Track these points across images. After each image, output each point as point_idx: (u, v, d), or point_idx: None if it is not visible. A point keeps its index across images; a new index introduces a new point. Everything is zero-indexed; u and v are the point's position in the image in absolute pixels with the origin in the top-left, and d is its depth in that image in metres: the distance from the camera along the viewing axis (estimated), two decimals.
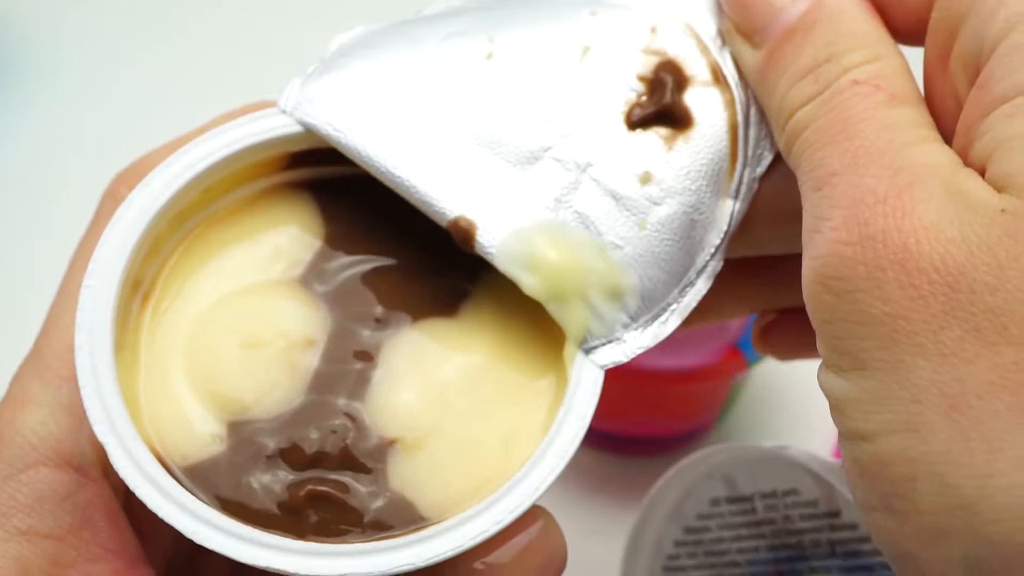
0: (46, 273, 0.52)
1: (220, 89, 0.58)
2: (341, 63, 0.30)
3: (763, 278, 0.33)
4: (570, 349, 0.28)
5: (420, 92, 0.29)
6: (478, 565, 0.26)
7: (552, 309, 0.27)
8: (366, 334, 0.28)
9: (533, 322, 0.28)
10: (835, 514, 0.35)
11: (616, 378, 0.41)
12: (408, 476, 0.27)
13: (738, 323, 0.42)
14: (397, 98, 0.29)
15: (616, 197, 0.28)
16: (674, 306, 0.28)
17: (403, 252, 0.29)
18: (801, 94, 0.26)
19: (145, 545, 0.28)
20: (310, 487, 0.26)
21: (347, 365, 0.28)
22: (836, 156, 0.25)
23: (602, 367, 0.28)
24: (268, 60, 0.59)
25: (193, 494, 0.25)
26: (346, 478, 0.27)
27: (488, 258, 0.28)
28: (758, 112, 0.29)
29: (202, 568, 0.32)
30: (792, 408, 0.50)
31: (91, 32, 0.61)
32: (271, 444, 0.27)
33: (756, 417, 0.49)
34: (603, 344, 0.28)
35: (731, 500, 0.38)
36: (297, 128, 0.29)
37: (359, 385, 0.28)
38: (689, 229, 0.28)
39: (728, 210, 0.29)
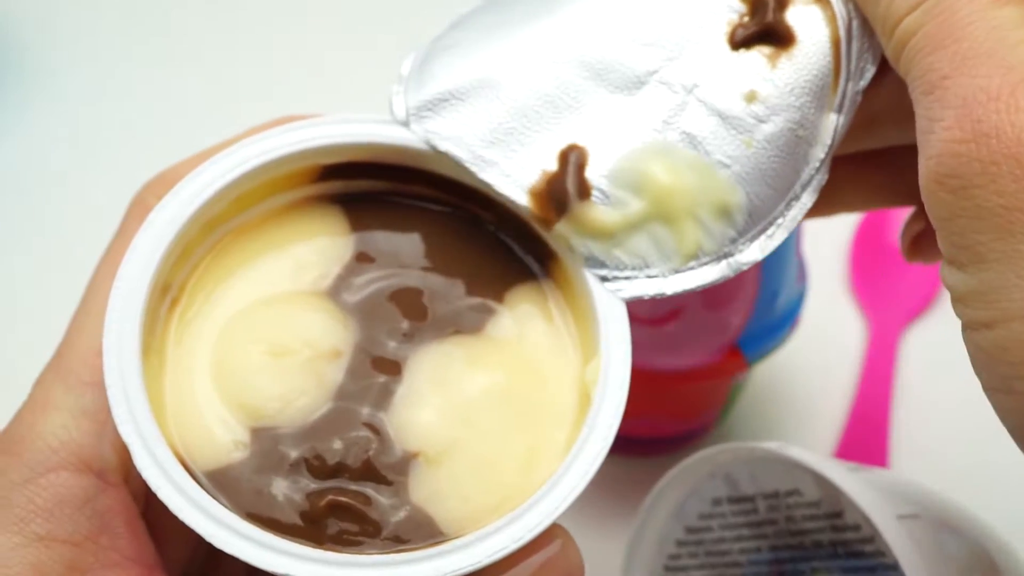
0: (45, 272, 0.52)
1: (219, 88, 0.58)
2: (449, 71, 0.30)
3: (887, 171, 0.34)
4: (591, 369, 0.28)
5: (522, 50, 0.30)
6: None
7: (656, 230, 0.29)
8: (392, 348, 0.29)
9: (556, 343, 0.29)
10: (838, 515, 0.35)
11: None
12: (429, 491, 0.27)
13: (738, 323, 0.42)
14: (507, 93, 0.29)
15: (722, 116, 0.29)
16: (780, 220, 0.29)
17: (432, 270, 0.30)
18: (906, 2, 0.27)
19: (161, 551, 0.28)
20: (331, 497, 0.26)
21: (372, 378, 0.28)
22: (946, 60, 0.25)
23: (696, 287, 0.29)
24: (267, 59, 0.59)
25: (215, 499, 0.26)
26: (367, 490, 0.27)
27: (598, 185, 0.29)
28: (860, 25, 0.29)
29: (216, 575, 0.32)
30: (792, 408, 0.50)
31: (90, 31, 0.61)
32: (294, 453, 0.27)
33: (756, 417, 0.49)
34: (712, 261, 0.29)
35: (733, 500, 0.38)
36: (331, 141, 0.29)
37: (383, 398, 0.28)
38: (794, 145, 0.29)
39: (832, 124, 0.29)
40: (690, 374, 0.42)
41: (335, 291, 0.29)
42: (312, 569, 0.25)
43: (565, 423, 0.28)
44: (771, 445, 0.35)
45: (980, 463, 0.47)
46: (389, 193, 0.30)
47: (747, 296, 0.41)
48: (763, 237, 0.29)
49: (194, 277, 0.29)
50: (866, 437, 0.48)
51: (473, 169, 0.29)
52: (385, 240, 0.30)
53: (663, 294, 0.29)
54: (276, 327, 0.28)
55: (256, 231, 0.30)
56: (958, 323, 0.26)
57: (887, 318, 0.52)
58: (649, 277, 0.29)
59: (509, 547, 0.25)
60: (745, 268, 0.29)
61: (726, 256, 0.29)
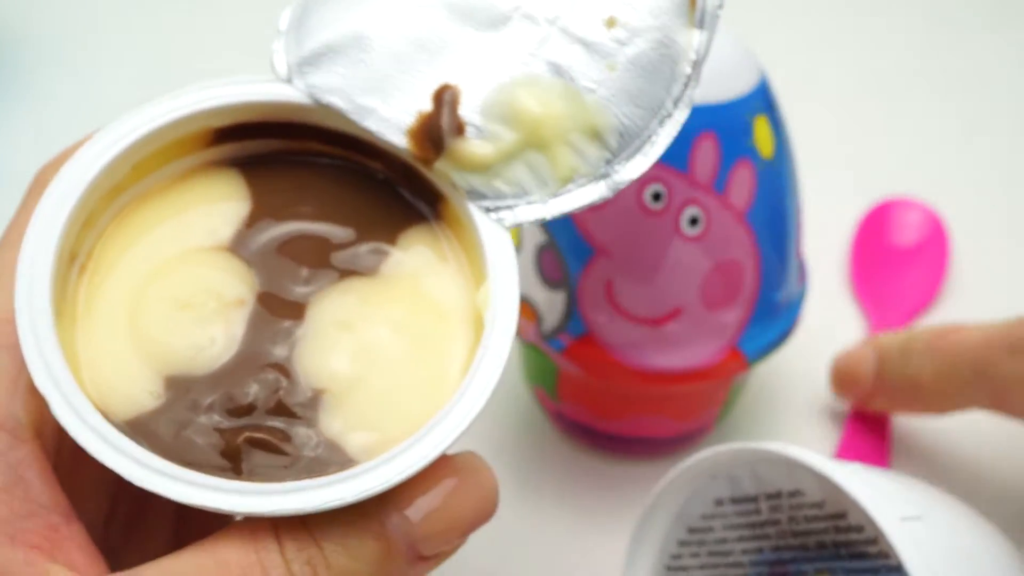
0: None
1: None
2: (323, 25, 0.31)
3: None
4: (481, 293, 0.30)
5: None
6: (415, 504, 0.28)
7: (533, 159, 0.30)
8: (293, 293, 0.30)
9: (450, 279, 0.31)
10: (841, 516, 0.35)
11: (616, 378, 0.42)
12: (338, 425, 0.28)
13: (738, 323, 0.42)
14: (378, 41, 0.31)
15: (585, 44, 0.30)
16: (654, 137, 0.30)
17: (326, 220, 0.31)
18: None
19: (78, 506, 0.29)
20: (247, 434, 0.28)
21: (276, 323, 0.30)
22: None
23: (583, 205, 0.30)
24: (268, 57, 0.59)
25: (134, 442, 0.27)
26: (280, 426, 0.28)
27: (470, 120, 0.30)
28: None
29: (143, 526, 0.33)
30: (792, 408, 0.50)
31: (89, 30, 0.61)
32: (207, 397, 0.28)
33: (756, 417, 0.49)
34: (589, 182, 0.30)
35: (735, 500, 0.38)
36: (217, 103, 0.31)
37: (287, 341, 0.29)
38: (659, 63, 0.30)
39: (695, 39, 0.30)
40: (690, 374, 0.42)
41: (236, 246, 0.31)
42: (228, 499, 0.26)
43: (463, 349, 0.30)
44: (773, 445, 0.35)
45: (982, 463, 0.47)
46: (282, 152, 0.32)
47: (747, 296, 0.41)
48: (639, 156, 0.30)
49: (100, 243, 0.30)
50: (866, 437, 0.48)
51: (354, 118, 0.31)
52: (281, 196, 0.32)
53: (543, 219, 0.30)
54: (181, 282, 0.30)
55: (157, 197, 0.31)
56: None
57: (888, 317, 0.52)
58: (529, 204, 0.30)
59: (416, 465, 0.27)
60: (623, 186, 0.30)
61: (603, 176, 0.30)
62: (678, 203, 0.39)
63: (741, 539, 0.39)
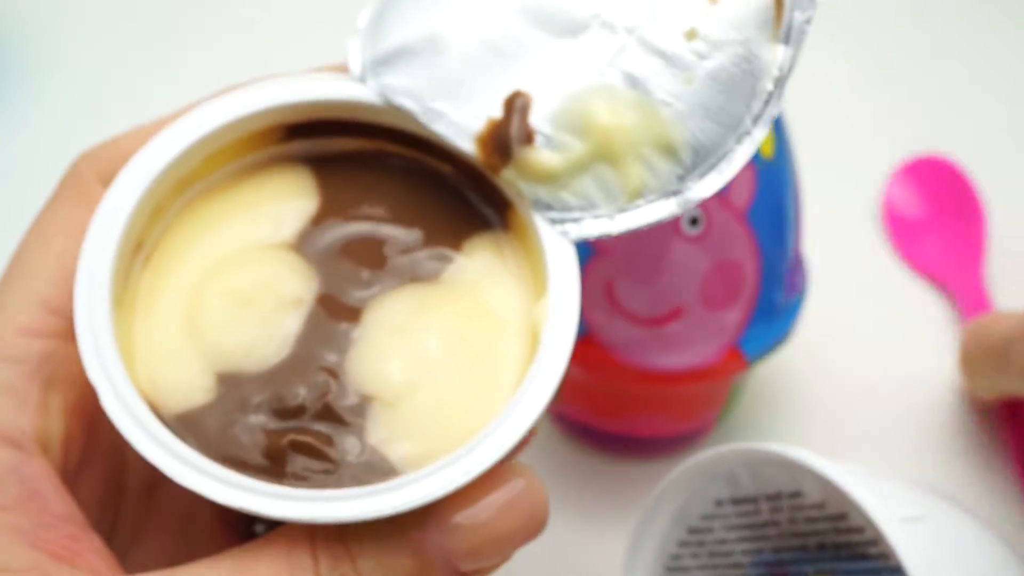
0: None
1: (220, 86, 0.58)
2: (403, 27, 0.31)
3: None
4: (542, 305, 0.29)
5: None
6: (458, 519, 0.27)
7: (602, 172, 0.29)
8: (351, 295, 0.30)
9: (511, 289, 0.30)
10: (841, 517, 0.35)
11: (616, 378, 0.42)
12: (385, 433, 0.28)
13: (738, 323, 0.42)
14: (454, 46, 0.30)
15: (663, 56, 0.29)
16: (730, 155, 0.29)
17: (393, 222, 0.31)
18: None
19: (86, 515, 0.29)
20: (292, 436, 0.28)
21: (331, 324, 0.29)
22: None
23: (642, 225, 0.29)
24: (268, 58, 0.59)
25: (180, 439, 0.27)
26: (327, 430, 0.28)
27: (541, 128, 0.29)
28: None
29: (147, 533, 0.33)
30: (792, 408, 0.50)
31: (91, 29, 0.61)
32: (257, 396, 0.28)
33: (756, 417, 0.49)
34: (659, 198, 0.29)
35: (735, 501, 0.38)
36: (290, 99, 0.30)
37: (342, 344, 0.29)
38: (739, 79, 0.29)
39: (780, 55, 0.29)
40: (690, 374, 0.42)
41: (299, 244, 0.30)
42: (269, 503, 0.26)
43: (517, 363, 0.29)
44: (774, 446, 0.35)
45: (982, 464, 0.47)
46: (354, 151, 0.32)
47: (747, 296, 0.41)
48: (713, 173, 0.29)
49: (166, 234, 0.30)
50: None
51: (423, 121, 0.30)
52: (349, 195, 0.31)
53: (609, 234, 0.29)
54: (242, 278, 0.30)
55: (226, 191, 0.31)
56: None
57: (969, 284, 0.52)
58: (596, 217, 0.30)
59: (459, 480, 0.26)
60: (695, 204, 0.29)
61: (674, 194, 0.29)
62: None
63: (741, 540, 0.39)
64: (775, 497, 0.37)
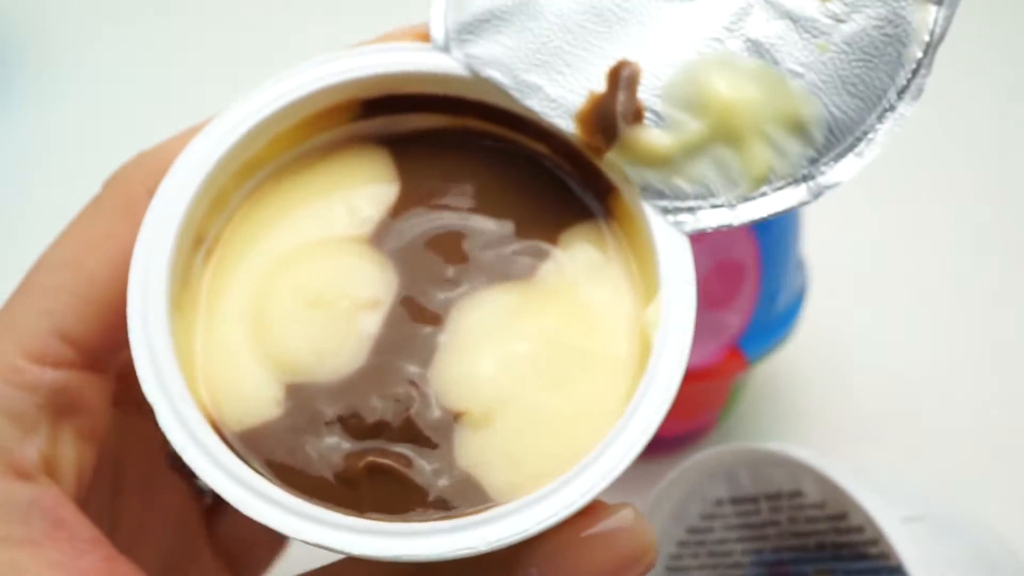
0: None
1: (221, 87, 0.58)
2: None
3: None
4: (652, 312, 0.25)
5: None
6: (556, 560, 0.24)
7: (721, 154, 0.26)
8: (435, 296, 0.26)
9: (615, 287, 0.27)
10: (841, 516, 0.35)
11: None
12: (475, 453, 0.25)
13: (738, 323, 0.42)
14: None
15: (793, 18, 0.26)
16: (871, 135, 0.25)
17: (481, 212, 0.28)
18: None
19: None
20: (370, 459, 0.25)
21: (413, 329, 0.26)
22: None
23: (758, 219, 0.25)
24: (269, 57, 0.59)
25: (245, 461, 0.24)
26: (409, 452, 0.25)
27: (650, 106, 0.26)
28: None
29: (146, 539, 0.32)
30: (793, 408, 0.50)
31: (91, 30, 0.61)
32: (330, 410, 0.25)
33: (756, 417, 0.49)
34: (787, 185, 0.26)
35: (735, 501, 0.38)
36: (367, 72, 0.27)
37: (425, 351, 0.26)
38: (883, 46, 0.25)
39: (931, 17, 0.25)
40: (690, 374, 0.42)
41: (377, 237, 0.27)
42: (345, 538, 0.23)
43: (624, 375, 0.26)
44: (773, 446, 0.35)
45: (982, 464, 0.47)
46: (436, 130, 0.28)
47: (747, 296, 0.41)
48: (851, 155, 0.25)
49: (231, 226, 0.27)
50: None
51: (516, 95, 0.27)
52: (433, 181, 0.28)
53: (730, 225, 0.26)
54: (314, 276, 0.27)
55: (296, 175, 0.28)
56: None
57: None
58: (714, 207, 0.26)
59: (560, 514, 0.23)
60: (828, 191, 0.26)
61: (806, 179, 0.26)
62: None
63: (741, 539, 0.39)
64: (775, 497, 0.37)
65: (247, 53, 0.59)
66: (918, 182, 0.56)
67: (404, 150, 0.28)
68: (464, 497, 0.24)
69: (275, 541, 0.36)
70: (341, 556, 0.24)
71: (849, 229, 0.55)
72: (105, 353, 0.28)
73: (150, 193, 0.27)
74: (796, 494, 0.36)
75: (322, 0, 0.61)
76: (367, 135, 0.28)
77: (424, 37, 0.28)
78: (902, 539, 0.32)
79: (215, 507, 0.34)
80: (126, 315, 0.25)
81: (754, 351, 0.42)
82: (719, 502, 0.39)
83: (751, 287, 0.41)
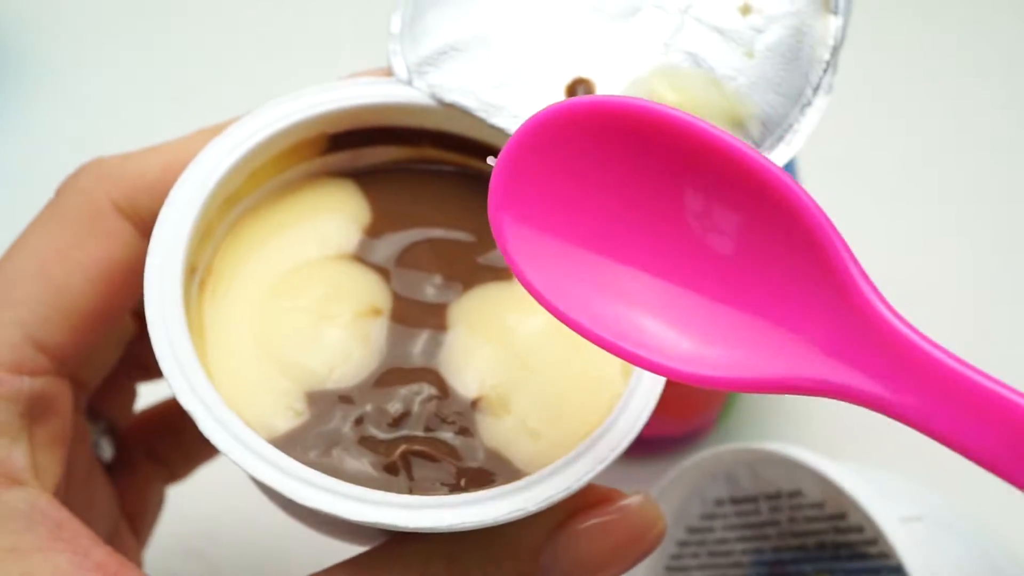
0: None
1: (221, 87, 0.58)
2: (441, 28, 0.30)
3: None
4: None
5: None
6: (584, 525, 0.27)
7: None
8: (429, 300, 0.29)
9: None
10: (841, 516, 0.35)
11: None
12: (499, 434, 0.27)
13: None
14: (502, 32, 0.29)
15: (721, 32, 0.29)
16: (795, 126, 0.29)
17: (455, 226, 0.30)
18: None
19: None
20: (405, 447, 0.26)
21: (417, 331, 0.28)
22: None
23: None
24: (270, 58, 0.59)
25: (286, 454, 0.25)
26: (439, 436, 0.27)
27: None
28: None
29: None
30: (793, 408, 0.50)
31: (91, 31, 0.61)
32: (355, 411, 0.27)
33: (756, 417, 0.49)
34: None
35: (735, 501, 0.38)
36: (337, 105, 0.29)
37: (432, 348, 0.28)
38: (797, 50, 0.29)
39: (832, 25, 0.29)
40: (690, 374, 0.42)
41: (361, 253, 0.29)
42: (400, 515, 0.24)
43: None
44: (773, 445, 0.35)
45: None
46: (398, 162, 0.31)
47: None
48: (781, 145, 0.29)
49: (217, 256, 0.29)
50: None
51: (483, 116, 0.29)
52: (400, 206, 0.30)
53: None
54: (311, 292, 0.28)
55: (272, 207, 0.30)
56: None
57: None
58: None
59: (595, 469, 0.25)
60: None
61: None
62: None
63: (741, 539, 0.39)
64: (775, 497, 0.37)
65: (247, 53, 0.59)
66: (918, 184, 0.57)
67: (369, 181, 0.30)
68: (496, 471, 0.26)
69: (159, 502, 0.37)
70: (371, 544, 0.27)
71: (849, 229, 0.55)
72: (74, 360, 0.29)
73: (115, 205, 0.28)
74: (796, 494, 0.36)
75: (322, 1, 0.61)
76: (333, 169, 0.30)
77: (386, 74, 0.30)
78: (902, 539, 0.32)
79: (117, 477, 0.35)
80: (97, 323, 0.28)
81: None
82: (719, 502, 0.39)
83: None
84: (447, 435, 0.27)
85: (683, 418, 0.46)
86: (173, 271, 0.26)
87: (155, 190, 0.29)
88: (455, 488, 0.26)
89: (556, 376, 0.28)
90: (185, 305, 0.26)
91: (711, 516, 0.39)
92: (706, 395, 0.45)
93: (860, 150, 0.57)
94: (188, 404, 0.25)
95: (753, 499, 0.38)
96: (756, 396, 0.50)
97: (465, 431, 0.27)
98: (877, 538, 0.34)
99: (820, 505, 0.36)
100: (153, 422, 0.36)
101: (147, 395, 0.36)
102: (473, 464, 0.27)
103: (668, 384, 0.42)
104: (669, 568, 0.40)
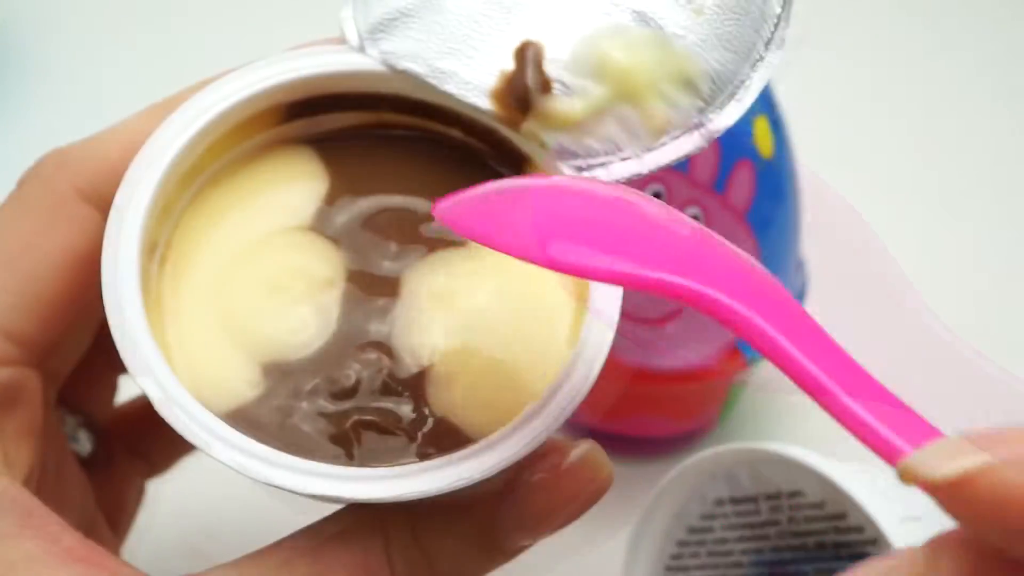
0: None
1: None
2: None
3: None
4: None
5: None
6: (531, 480, 0.27)
7: (625, 111, 0.29)
8: (384, 269, 0.29)
9: None
10: (841, 516, 0.35)
11: (616, 378, 0.41)
12: (448, 401, 0.28)
13: None
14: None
15: None
16: (747, 82, 0.29)
17: (408, 193, 0.30)
18: None
19: None
20: (356, 417, 0.27)
21: (370, 300, 0.29)
22: None
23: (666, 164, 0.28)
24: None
25: (243, 434, 0.26)
26: (389, 406, 0.27)
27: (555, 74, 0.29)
28: None
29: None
30: (792, 408, 0.50)
31: (91, 31, 0.61)
32: (308, 382, 0.27)
33: (756, 417, 0.49)
34: (683, 133, 0.29)
35: (735, 501, 0.38)
36: (291, 75, 0.29)
37: (385, 318, 0.28)
38: (747, 5, 0.29)
39: None
40: (690, 374, 0.42)
41: (317, 224, 0.30)
42: (355, 487, 0.25)
43: (567, 316, 0.29)
44: (773, 445, 0.35)
45: None
46: (355, 127, 0.31)
47: None
48: (732, 102, 0.29)
49: (177, 232, 0.29)
50: None
51: (433, 82, 0.29)
52: (358, 172, 0.30)
53: (639, 174, 0.29)
54: (267, 265, 0.29)
55: (229, 179, 0.30)
56: None
57: None
58: (623, 160, 0.29)
59: (542, 434, 0.26)
60: (718, 135, 0.29)
61: (697, 126, 0.29)
62: (678, 203, 0.39)
63: (741, 539, 0.39)
64: (774, 496, 0.37)
65: (248, 53, 0.59)
66: (919, 182, 0.57)
67: (328, 147, 0.31)
68: (447, 440, 0.27)
69: (139, 497, 0.37)
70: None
71: (849, 229, 0.55)
72: (43, 349, 0.29)
73: (78, 192, 0.29)
74: (795, 494, 0.36)
75: (322, 2, 0.61)
76: (292, 137, 0.31)
77: (340, 42, 0.30)
78: (902, 539, 0.32)
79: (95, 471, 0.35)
80: (65, 311, 0.28)
81: (754, 351, 0.42)
82: (719, 502, 0.39)
83: None
84: (397, 405, 0.27)
85: (683, 418, 0.46)
86: (129, 253, 0.27)
87: (117, 172, 0.29)
88: (405, 457, 0.27)
89: (504, 344, 0.28)
90: (144, 285, 0.27)
91: (711, 516, 0.39)
92: (706, 395, 0.45)
93: (860, 149, 0.57)
94: (144, 385, 0.26)
95: (753, 499, 0.38)
96: (755, 396, 0.50)
97: (415, 400, 0.27)
98: (877, 538, 0.34)
99: (820, 505, 0.36)
100: (133, 416, 0.36)
101: (128, 390, 0.36)
102: (423, 432, 0.27)
103: (668, 385, 0.42)
104: (669, 568, 0.40)
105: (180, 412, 0.26)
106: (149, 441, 0.36)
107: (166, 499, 0.38)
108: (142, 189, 0.28)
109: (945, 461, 0.19)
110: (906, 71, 0.60)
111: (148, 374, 0.26)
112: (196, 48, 0.60)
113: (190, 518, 0.43)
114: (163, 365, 0.26)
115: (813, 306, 0.47)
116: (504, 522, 0.27)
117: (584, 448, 0.28)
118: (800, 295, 0.44)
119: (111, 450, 0.35)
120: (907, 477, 0.20)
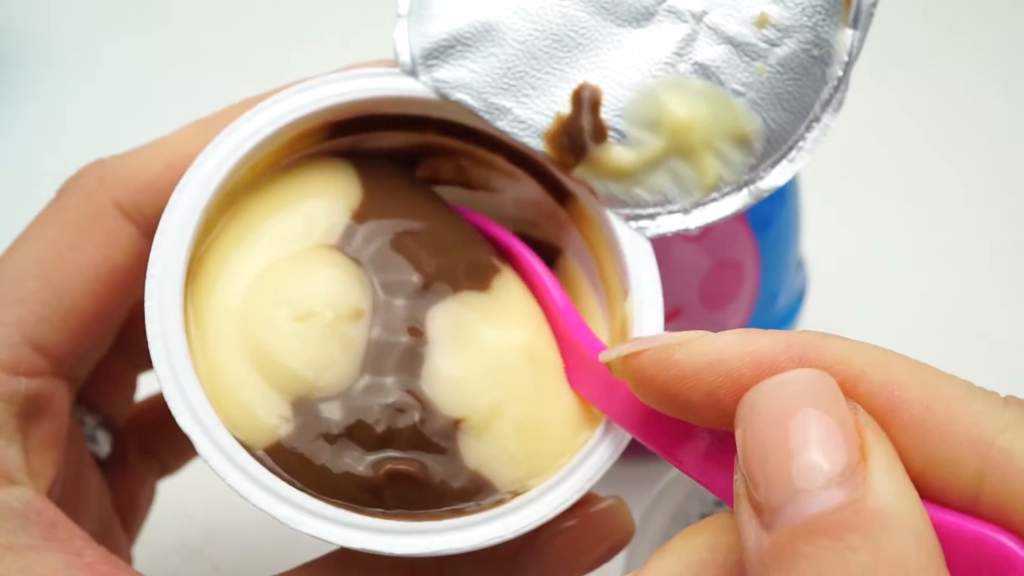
0: None
1: (221, 87, 0.58)
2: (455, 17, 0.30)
3: None
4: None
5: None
6: (552, 539, 0.28)
7: (676, 166, 0.28)
8: (410, 305, 0.28)
9: (577, 290, 0.30)
10: None
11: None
12: (481, 456, 0.27)
13: (738, 323, 0.42)
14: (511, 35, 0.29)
15: (734, 43, 0.28)
16: (800, 143, 0.29)
17: (442, 218, 0.30)
18: None
19: None
20: (389, 466, 0.26)
21: (397, 338, 0.28)
22: None
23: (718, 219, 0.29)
24: (270, 58, 0.59)
25: (280, 478, 0.25)
26: (421, 457, 0.27)
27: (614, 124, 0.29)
28: None
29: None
30: None
31: (90, 30, 0.61)
32: (339, 423, 0.26)
33: None
34: (733, 190, 0.29)
35: None
36: (342, 99, 0.29)
37: (413, 360, 0.27)
38: (810, 66, 0.28)
39: (849, 39, 0.29)
40: None
41: (345, 243, 0.29)
42: (388, 540, 0.25)
43: None
44: None
45: None
46: (402, 147, 0.30)
47: (747, 296, 0.41)
48: (784, 162, 0.29)
49: (210, 247, 0.28)
50: None
51: (487, 118, 0.29)
52: (394, 190, 0.30)
53: (687, 229, 0.29)
54: (295, 288, 0.28)
55: (265, 190, 0.29)
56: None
57: None
58: (671, 213, 0.29)
59: (571, 499, 0.26)
60: (767, 194, 0.29)
61: (747, 184, 0.29)
62: None
63: None
64: None
65: (248, 52, 0.59)
66: (919, 182, 0.57)
67: (368, 164, 0.30)
68: (478, 495, 0.27)
69: (151, 497, 0.37)
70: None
71: (849, 229, 0.55)
72: (71, 360, 0.29)
73: (118, 206, 0.28)
74: None
75: (323, 2, 0.61)
76: (333, 150, 0.30)
77: (392, 64, 0.29)
78: None
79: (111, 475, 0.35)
80: (95, 325, 0.28)
81: None
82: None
83: (751, 287, 0.41)
84: (429, 456, 0.27)
85: None
86: (174, 285, 0.26)
87: (157, 188, 0.29)
88: (437, 508, 0.26)
89: (536, 398, 0.28)
90: (184, 315, 0.27)
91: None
92: None
93: (860, 149, 0.57)
94: (185, 425, 0.25)
95: None
96: None
97: (447, 452, 0.27)
98: None
99: None
100: (146, 415, 0.36)
101: (143, 387, 0.36)
102: (455, 485, 0.27)
103: None
104: None
105: (222, 457, 0.25)
106: (162, 440, 0.36)
107: (166, 499, 0.38)
108: (189, 216, 0.27)
109: (618, 350, 0.24)
110: (906, 71, 0.60)
111: (192, 417, 0.25)
112: (197, 47, 0.60)
113: (190, 518, 0.43)
114: (206, 406, 0.26)
115: (813, 306, 0.47)
116: (527, 567, 0.28)
117: (611, 501, 0.28)
118: (800, 295, 0.44)
119: (125, 451, 0.35)
120: (609, 367, 0.25)
